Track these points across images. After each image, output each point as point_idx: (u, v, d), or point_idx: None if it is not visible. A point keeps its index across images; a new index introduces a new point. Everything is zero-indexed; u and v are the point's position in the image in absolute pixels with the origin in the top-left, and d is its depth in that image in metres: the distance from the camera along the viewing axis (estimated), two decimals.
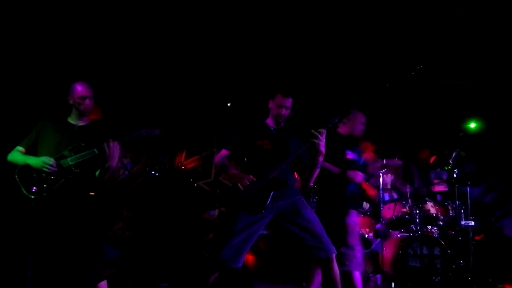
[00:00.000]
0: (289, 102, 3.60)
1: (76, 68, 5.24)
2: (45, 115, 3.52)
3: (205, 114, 7.04)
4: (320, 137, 3.33)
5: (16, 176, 3.18)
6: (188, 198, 6.48)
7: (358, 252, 3.88)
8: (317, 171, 3.49)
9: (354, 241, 3.88)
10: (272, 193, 3.36)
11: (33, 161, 3.23)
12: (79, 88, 3.39)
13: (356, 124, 4.23)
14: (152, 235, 5.86)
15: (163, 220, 6.03)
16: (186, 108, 6.79)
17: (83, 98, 3.39)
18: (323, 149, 3.38)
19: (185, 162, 7.34)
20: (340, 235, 3.87)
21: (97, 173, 3.35)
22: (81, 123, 3.48)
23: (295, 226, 3.41)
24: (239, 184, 3.37)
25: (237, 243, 3.38)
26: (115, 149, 3.21)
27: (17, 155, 3.32)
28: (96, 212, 3.43)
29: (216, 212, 6.48)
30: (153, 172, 6.22)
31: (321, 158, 3.42)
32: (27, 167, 3.23)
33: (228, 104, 6.78)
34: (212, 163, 7.28)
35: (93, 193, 3.53)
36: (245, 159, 3.65)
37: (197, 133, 7.36)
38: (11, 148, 3.40)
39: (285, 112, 3.58)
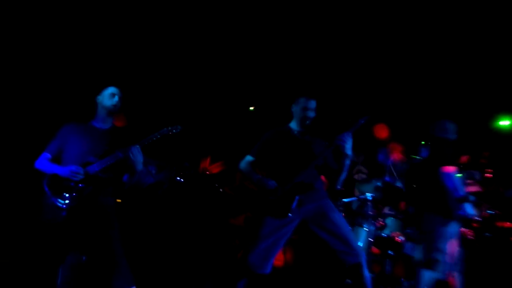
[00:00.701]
0: (313, 104, 3.64)
1: (100, 71, 5.32)
2: (68, 117, 3.56)
3: (228, 118, 7.07)
4: (345, 139, 3.34)
5: (46, 187, 3.18)
6: (213, 203, 6.45)
7: (449, 260, 3.86)
8: (344, 174, 3.48)
9: (450, 249, 3.85)
10: (297, 197, 3.36)
11: (61, 170, 3.24)
12: (111, 88, 3.51)
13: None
14: (179, 240, 5.81)
15: (190, 225, 6.00)
16: (210, 113, 6.83)
17: (114, 94, 3.48)
18: (349, 152, 3.37)
19: (210, 167, 7.35)
20: (437, 241, 3.87)
21: (124, 178, 3.40)
22: (105, 126, 3.50)
23: (323, 230, 3.40)
24: (268, 188, 3.41)
25: (264, 248, 3.38)
26: (137, 152, 3.23)
27: (45, 164, 3.33)
28: (124, 219, 3.46)
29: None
30: (178, 178, 6.26)
31: (347, 161, 3.42)
32: (55, 176, 3.24)
33: (251, 108, 6.81)
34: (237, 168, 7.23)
35: (119, 200, 3.57)
36: (270, 164, 3.64)
37: (221, 138, 7.34)
38: (35, 152, 3.41)
39: (310, 114, 3.61)
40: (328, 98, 5.62)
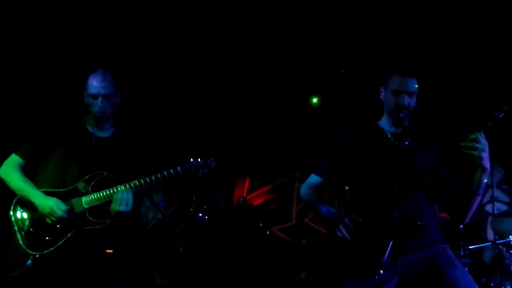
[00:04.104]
0: (412, 83, 2.91)
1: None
2: (55, 113, 3.35)
3: (279, 118, 6.29)
4: (478, 143, 2.62)
5: (12, 216, 2.80)
6: (257, 254, 5.70)
7: None
8: (475, 203, 2.72)
9: None
10: (391, 242, 2.70)
11: (38, 201, 2.85)
12: (92, 81, 3.04)
13: None
14: None
15: None
16: (249, 112, 6.16)
17: (95, 96, 3.02)
18: (487, 164, 2.66)
19: (250, 196, 6.69)
20: None
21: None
22: (101, 133, 3.09)
23: None
24: (338, 230, 2.78)
25: None
26: (126, 195, 2.83)
27: (15, 176, 2.92)
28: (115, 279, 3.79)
29: (303, 275, 5.76)
30: (200, 215, 5.66)
31: (483, 181, 2.71)
32: (27, 204, 2.89)
33: (314, 100, 5.76)
34: (293, 197, 6.70)
35: (110, 251, 3.69)
36: (347, 187, 3.42)
37: (267, 150, 6.61)
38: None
39: (408, 100, 2.88)
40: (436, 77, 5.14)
